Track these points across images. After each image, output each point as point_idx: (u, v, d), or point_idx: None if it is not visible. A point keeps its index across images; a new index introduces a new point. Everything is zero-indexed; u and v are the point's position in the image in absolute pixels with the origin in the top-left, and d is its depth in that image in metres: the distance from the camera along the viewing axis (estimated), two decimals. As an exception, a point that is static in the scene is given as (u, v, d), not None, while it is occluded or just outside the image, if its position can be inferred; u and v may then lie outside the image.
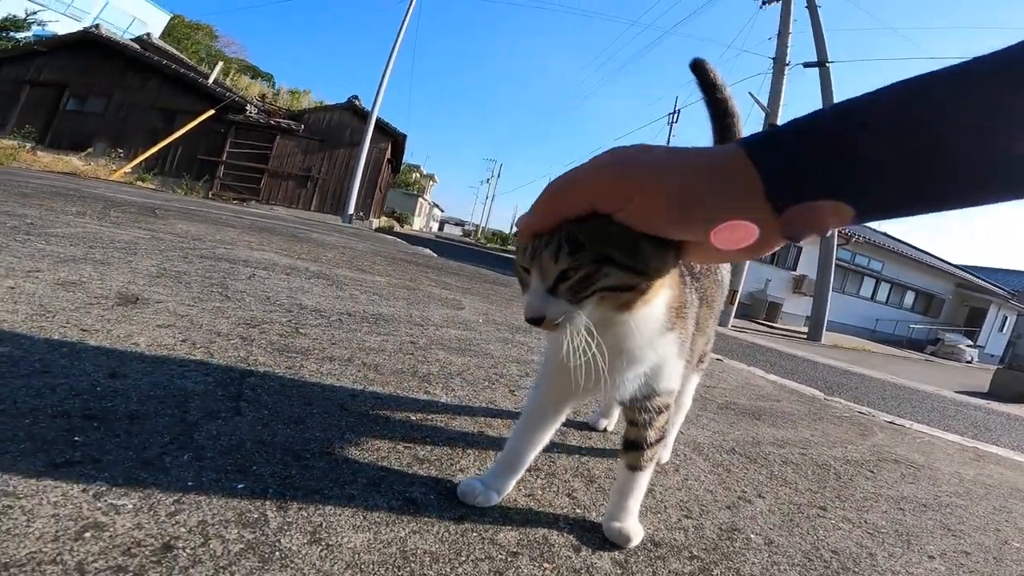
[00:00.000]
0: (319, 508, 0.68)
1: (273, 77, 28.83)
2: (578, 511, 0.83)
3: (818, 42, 11.24)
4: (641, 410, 0.71)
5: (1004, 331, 24.95)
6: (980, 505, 1.38)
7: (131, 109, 14.80)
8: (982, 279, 23.47)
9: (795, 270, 17.12)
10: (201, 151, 14.85)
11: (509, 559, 0.67)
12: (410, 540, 0.66)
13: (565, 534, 0.75)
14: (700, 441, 1.35)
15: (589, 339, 0.57)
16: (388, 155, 16.88)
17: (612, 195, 0.49)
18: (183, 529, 0.58)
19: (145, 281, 1.63)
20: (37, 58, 14.56)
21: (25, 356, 0.91)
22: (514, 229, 0.69)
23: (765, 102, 10.46)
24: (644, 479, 0.76)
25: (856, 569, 0.86)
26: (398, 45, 14.94)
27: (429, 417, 1.07)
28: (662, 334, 0.65)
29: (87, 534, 0.54)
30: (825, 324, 11.76)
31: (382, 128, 15.71)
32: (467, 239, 48.64)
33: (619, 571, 0.70)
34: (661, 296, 0.60)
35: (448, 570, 0.62)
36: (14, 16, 13.58)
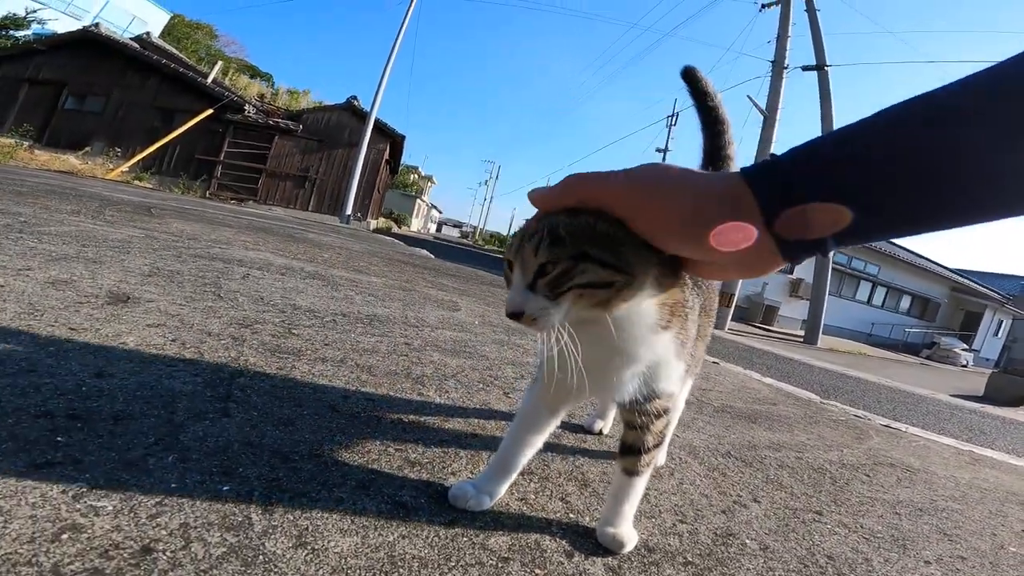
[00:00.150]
0: (306, 511, 0.66)
1: (272, 77, 28.88)
2: (571, 516, 0.82)
3: (817, 46, 11.27)
4: (640, 413, 0.70)
5: (999, 335, 25.00)
6: (976, 509, 1.38)
7: (130, 108, 14.77)
8: (977, 283, 23.54)
9: (792, 274, 17.16)
10: (199, 151, 14.82)
11: (500, 565, 0.65)
12: (399, 545, 0.64)
13: (558, 539, 0.74)
14: (696, 444, 1.34)
15: (564, 335, 0.57)
16: (386, 156, 16.87)
17: (630, 204, 0.53)
18: (164, 532, 0.56)
19: (137, 280, 1.62)
20: (36, 57, 14.52)
21: (11, 355, 0.90)
22: (512, 231, 0.68)
23: (763, 105, 10.48)
24: (641, 484, 0.75)
25: (852, 575, 0.85)
26: (397, 46, 14.95)
27: (422, 419, 1.06)
28: (655, 332, 0.64)
29: (64, 536, 0.53)
30: (821, 327, 11.76)
31: (381, 129, 15.71)
32: (465, 240, 48.65)
33: (611, 577, 0.69)
34: (647, 294, 0.59)
35: None
36: (14, 14, 13.54)
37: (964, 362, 18.20)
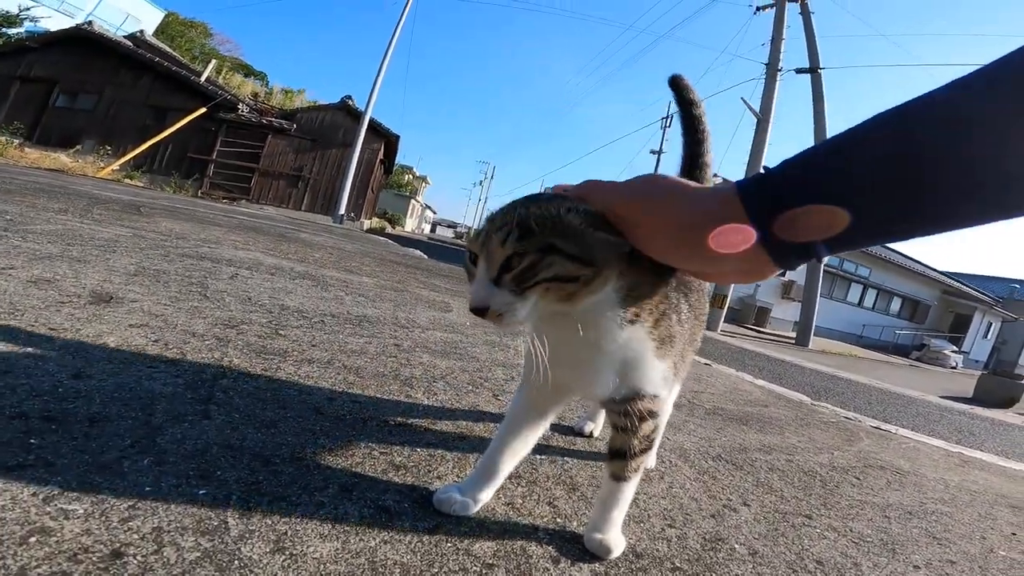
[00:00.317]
0: (285, 516, 0.65)
1: (267, 76, 28.73)
2: (559, 520, 0.80)
3: (811, 48, 11.33)
4: (623, 413, 0.68)
5: (988, 337, 25.27)
6: (965, 512, 1.38)
7: (122, 106, 14.65)
8: (967, 286, 23.75)
9: (784, 275, 17.26)
10: (191, 149, 14.73)
11: (485, 571, 0.64)
12: (380, 550, 0.63)
13: (544, 545, 0.73)
14: (686, 447, 1.33)
15: (533, 330, 0.57)
16: (381, 156, 16.82)
17: (629, 218, 0.55)
18: (135, 536, 0.55)
19: (121, 280, 1.59)
20: (28, 54, 14.39)
21: (-15, 355, 0.88)
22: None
23: (757, 108, 10.52)
24: (628, 490, 0.73)
25: (841, 579, 0.84)
26: (393, 46, 14.93)
27: (409, 422, 1.05)
28: (622, 325, 0.62)
29: (32, 539, 0.51)
30: (813, 329, 11.83)
31: (375, 129, 15.66)
32: (459, 241, 48.56)
33: (598, 583, 0.68)
34: (614, 286, 0.59)
35: (418, 582, 0.59)
36: (7, 12, 13.42)
37: (953, 364, 18.37)
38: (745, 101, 10.59)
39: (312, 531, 0.63)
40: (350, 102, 15.88)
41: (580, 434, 1.20)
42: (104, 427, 0.74)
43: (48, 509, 0.56)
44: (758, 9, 11.69)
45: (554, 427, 1.19)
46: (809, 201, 0.45)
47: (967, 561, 1.05)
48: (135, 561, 0.52)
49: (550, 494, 0.88)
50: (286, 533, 0.62)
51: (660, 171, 0.68)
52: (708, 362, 3.20)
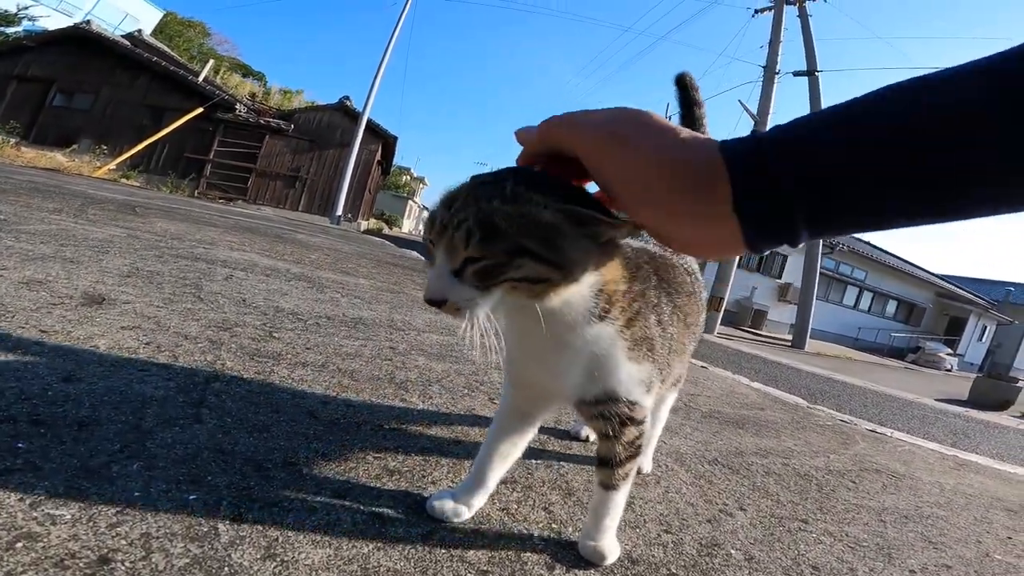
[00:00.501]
0: (276, 522, 0.64)
1: (265, 76, 28.65)
2: (554, 526, 0.80)
3: (808, 51, 11.37)
4: (600, 417, 0.66)
5: (983, 340, 25.36)
6: (961, 516, 1.38)
7: (119, 106, 14.58)
8: (962, 289, 23.83)
9: (780, 278, 17.30)
10: (188, 149, 14.66)
11: (477, 577, 0.63)
12: (373, 557, 0.62)
13: (539, 551, 0.72)
14: (683, 451, 1.33)
15: (490, 325, 0.53)
16: (378, 157, 16.79)
17: (597, 154, 0.46)
18: (123, 541, 0.54)
19: (114, 281, 1.58)
20: (26, 53, 14.31)
21: (-26, 357, 0.87)
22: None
23: (755, 110, 10.56)
24: (619, 497, 0.71)
25: (837, 585, 0.84)
26: (391, 47, 14.90)
27: (403, 426, 1.04)
28: (588, 322, 0.60)
29: (19, 544, 0.51)
30: (809, 332, 11.84)
31: (373, 129, 15.63)
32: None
33: (592, 589, 0.67)
34: (584, 284, 0.56)
35: (411, 590, 0.59)
36: (5, 11, 13.36)
37: (948, 366, 18.41)
38: (742, 104, 10.64)
39: (304, 537, 0.62)
40: (348, 103, 15.85)
41: (576, 438, 1.20)
42: (93, 431, 0.73)
43: (35, 514, 0.55)
44: (756, 12, 11.75)
45: (550, 431, 1.19)
46: (804, 172, 0.39)
47: (963, 565, 1.05)
48: (123, 567, 0.51)
49: (545, 499, 0.87)
50: (277, 539, 0.61)
51: None
52: (704, 364, 3.20)
